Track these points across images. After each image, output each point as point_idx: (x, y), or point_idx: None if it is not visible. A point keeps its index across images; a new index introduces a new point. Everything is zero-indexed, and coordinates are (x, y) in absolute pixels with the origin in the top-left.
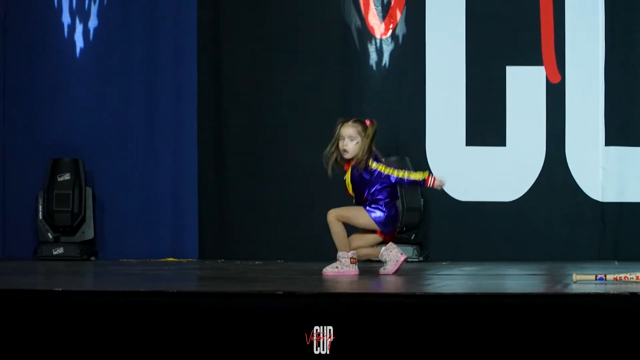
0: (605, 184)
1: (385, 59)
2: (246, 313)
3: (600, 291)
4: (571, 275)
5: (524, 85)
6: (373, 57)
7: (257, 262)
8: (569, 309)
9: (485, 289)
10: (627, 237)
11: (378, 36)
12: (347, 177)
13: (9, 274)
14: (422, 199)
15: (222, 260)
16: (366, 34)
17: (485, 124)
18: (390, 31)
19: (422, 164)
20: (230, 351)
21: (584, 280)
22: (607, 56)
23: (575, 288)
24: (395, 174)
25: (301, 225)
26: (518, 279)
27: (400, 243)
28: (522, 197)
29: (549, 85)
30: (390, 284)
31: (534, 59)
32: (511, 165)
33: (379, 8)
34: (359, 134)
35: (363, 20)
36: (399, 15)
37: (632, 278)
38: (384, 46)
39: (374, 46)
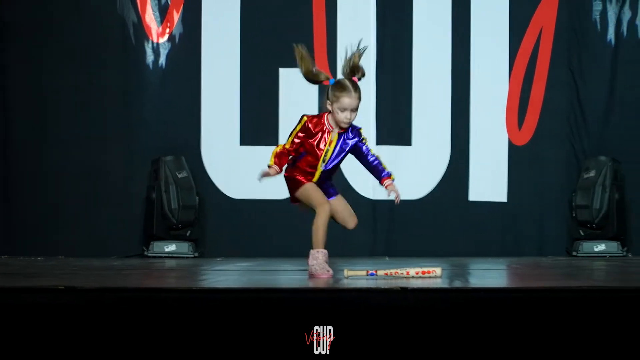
0: (376, 182)
1: (162, 59)
2: (31, 308)
3: (371, 286)
4: (343, 270)
5: (297, 87)
6: (150, 56)
7: (39, 258)
8: (340, 304)
9: (258, 284)
10: (397, 234)
11: (155, 39)
12: (332, 145)
13: None
14: (197, 197)
15: (5, 256)
16: (143, 33)
17: (259, 124)
18: (167, 35)
19: (197, 164)
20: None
21: (355, 275)
22: (377, 58)
23: (346, 283)
24: (373, 152)
25: (80, 222)
26: (291, 274)
27: (177, 240)
28: None
29: (321, 86)
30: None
31: None
32: None
33: (157, 13)
34: (359, 102)
35: (140, 19)
36: (176, 16)
37: (402, 273)
38: (161, 48)
39: (150, 47)
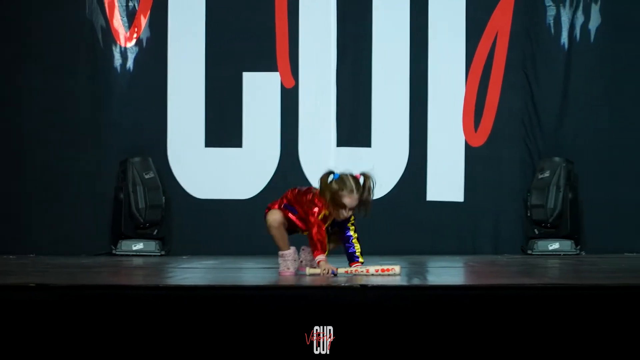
0: None
1: (130, 63)
2: (3, 305)
3: (332, 284)
4: (305, 268)
5: (260, 90)
6: (118, 60)
7: (11, 257)
8: (304, 300)
9: (223, 282)
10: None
11: (123, 43)
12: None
13: None
14: (163, 197)
15: None
16: (111, 37)
17: (223, 127)
18: (135, 39)
19: (163, 165)
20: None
21: (317, 273)
22: (338, 62)
23: (308, 281)
24: (354, 234)
25: (51, 222)
26: (254, 272)
27: (144, 238)
28: (257, 195)
29: (283, 89)
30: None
31: (269, 65)
32: (247, 165)
33: (125, 19)
34: (358, 203)
35: (108, 24)
36: (143, 21)
37: (362, 271)
38: (129, 52)
39: (118, 51)
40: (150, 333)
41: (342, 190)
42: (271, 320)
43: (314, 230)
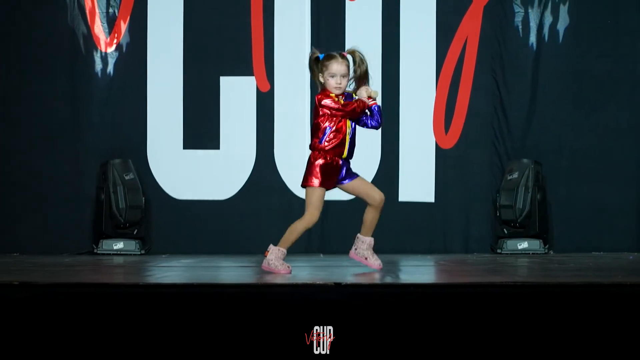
0: None
1: (110, 68)
2: None
3: (307, 282)
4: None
5: (236, 94)
6: (99, 65)
7: None
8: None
9: (202, 280)
10: (331, 232)
11: (104, 48)
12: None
13: None
14: (143, 198)
15: None
16: (92, 43)
17: (201, 129)
18: (115, 44)
19: (143, 167)
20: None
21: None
22: None
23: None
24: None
25: (34, 222)
26: (232, 270)
27: (124, 238)
28: (234, 195)
29: (259, 93)
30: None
31: (245, 70)
32: (224, 166)
33: (105, 25)
34: (348, 70)
35: (89, 30)
36: (123, 27)
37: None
38: (109, 57)
39: (99, 56)
40: (134, 331)
41: (330, 60)
42: (271, 320)
43: (349, 109)
